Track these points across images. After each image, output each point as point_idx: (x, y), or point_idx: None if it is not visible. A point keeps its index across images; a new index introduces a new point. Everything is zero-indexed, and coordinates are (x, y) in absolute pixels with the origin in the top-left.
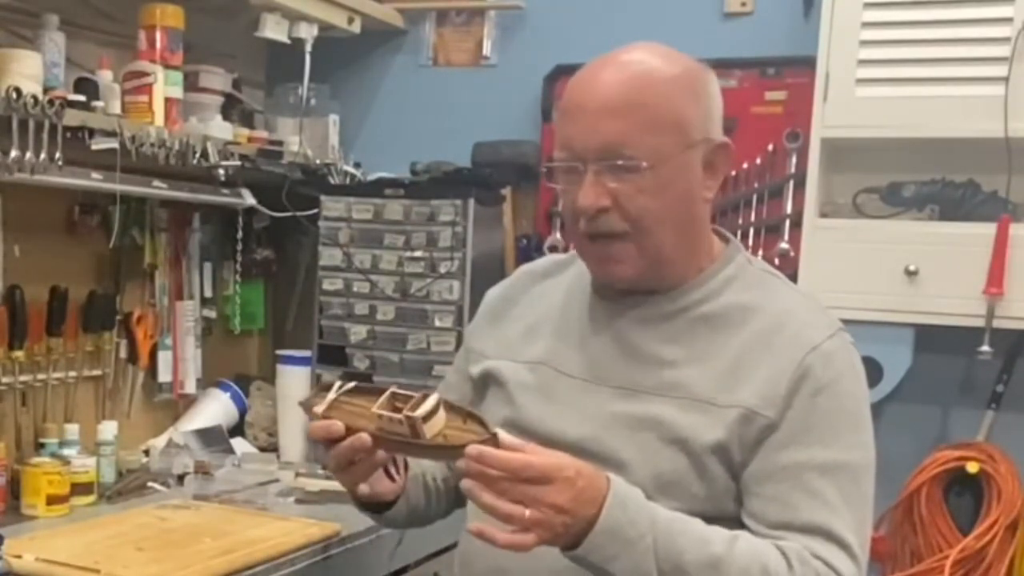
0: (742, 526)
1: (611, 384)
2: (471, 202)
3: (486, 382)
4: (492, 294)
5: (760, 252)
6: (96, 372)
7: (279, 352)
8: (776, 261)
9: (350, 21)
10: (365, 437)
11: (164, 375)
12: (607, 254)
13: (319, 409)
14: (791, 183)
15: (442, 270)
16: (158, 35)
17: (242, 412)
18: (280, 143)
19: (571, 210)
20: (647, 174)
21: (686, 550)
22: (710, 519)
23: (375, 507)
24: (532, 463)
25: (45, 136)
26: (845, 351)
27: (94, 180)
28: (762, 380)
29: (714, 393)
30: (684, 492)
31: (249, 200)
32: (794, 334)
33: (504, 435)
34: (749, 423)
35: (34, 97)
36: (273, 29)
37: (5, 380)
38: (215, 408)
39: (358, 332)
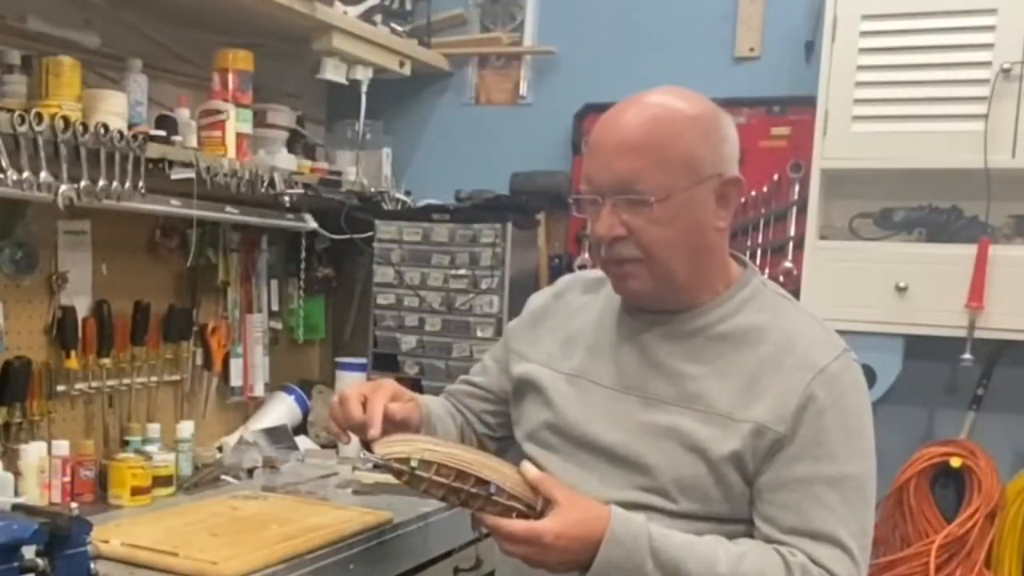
0: (753, 525)
1: (637, 394)
2: (509, 226)
3: (525, 386)
4: (536, 301)
5: (767, 271)
6: (175, 377)
7: (338, 359)
8: (781, 278)
9: (401, 64)
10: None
11: (235, 380)
12: (623, 274)
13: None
14: (794, 209)
15: (483, 286)
16: (230, 77)
17: (305, 413)
18: (339, 173)
19: (593, 237)
20: (656, 207)
21: (693, 571)
22: (726, 520)
23: None
24: (513, 533)
25: (130, 167)
26: (848, 371)
27: (173, 206)
28: (773, 398)
29: (731, 408)
30: (703, 495)
31: (311, 224)
32: (803, 355)
33: (528, 469)
34: (761, 437)
35: (120, 132)
36: (333, 72)
37: (94, 384)
38: (281, 409)
39: (408, 341)
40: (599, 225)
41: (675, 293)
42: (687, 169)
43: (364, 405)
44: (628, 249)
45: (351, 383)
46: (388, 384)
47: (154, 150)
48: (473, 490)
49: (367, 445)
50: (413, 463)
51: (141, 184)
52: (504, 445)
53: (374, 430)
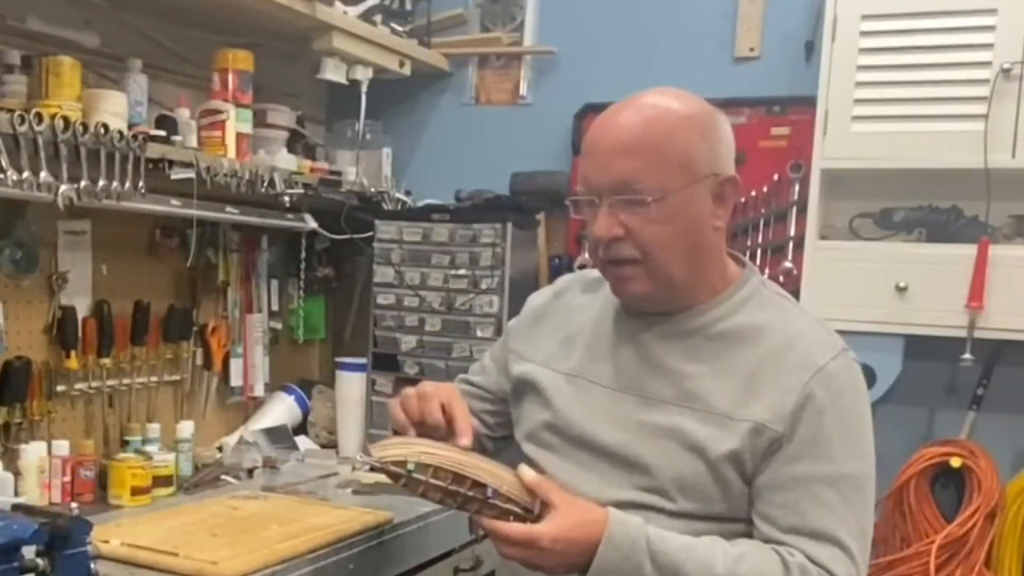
0: (753, 525)
1: (636, 393)
2: (509, 226)
3: (524, 386)
4: (536, 300)
5: (767, 271)
6: (175, 377)
7: (338, 359)
8: (781, 279)
9: (401, 64)
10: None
11: (236, 380)
12: (622, 275)
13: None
14: (794, 209)
15: (483, 286)
16: (230, 77)
17: (305, 413)
18: (339, 173)
19: (591, 238)
20: (653, 207)
21: (691, 573)
22: (726, 519)
23: None
24: (510, 536)
25: (130, 167)
26: (848, 371)
27: (173, 206)
28: (772, 397)
29: (730, 408)
30: (702, 494)
31: (311, 224)
32: (801, 355)
33: (525, 473)
34: (760, 435)
35: (120, 132)
36: (333, 72)
37: (94, 384)
38: (281, 409)
39: (408, 341)
40: (597, 226)
41: (674, 293)
42: (683, 169)
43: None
44: (626, 249)
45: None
46: (457, 391)
47: (154, 150)
48: (470, 493)
49: (365, 447)
50: (410, 466)
51: (141, 184)
52: (503, 445)
53: (466, 440)
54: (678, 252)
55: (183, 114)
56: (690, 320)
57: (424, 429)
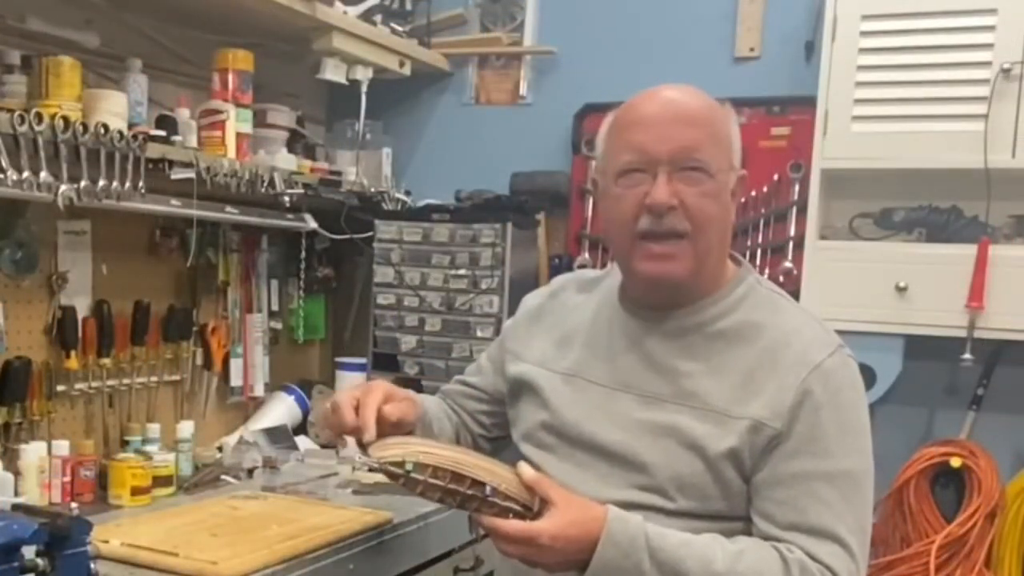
0: (752, 523)
1: (634, 392)
2: (509, 226)
3: (521, 386)
4: (531, 300)
5: (767, 271)
6: (175, 377)
7: (338, 359)
8: (781, 279)
9: (401, 64)
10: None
11: (236, 380)
12: (665, 252)
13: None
14: (794, 209)
15: (483, 286)
16: (230, 77)
17: (305, 413)
18: (339, 173)
19: (631, 211)
20: (710, 180)
21: (690, 570)
22: (725, 517)
23: None
24: (510, 534)
25: (130, 167)
26: (844, 367)
27: (173, 206)
28: (770, 394)
29: (728, 405)
30: (701, 493)
31: (311, 224)
32: (799, 352)
33: (524, 470)
34: (758, 433)
35: (120, 132)
36: (333, 72)
37: (94, 384)
38: (281, 409)
39: (408, 341)
40: (656, 192)
41: (696, 280)
42: (728, 152)
43: (357, 409)
44: (678, 221)
45: (345, 387)
46: (379, 385)
47: (154, 150)
48: (469, 492)
49: (363, 448)
50: (408, 466)
51: (141, 184)
52: (499, 445)
53: (368, 435)
54: (717, 231)
55: (183, 114)
56: (688, 318)
57: (351, 435)
